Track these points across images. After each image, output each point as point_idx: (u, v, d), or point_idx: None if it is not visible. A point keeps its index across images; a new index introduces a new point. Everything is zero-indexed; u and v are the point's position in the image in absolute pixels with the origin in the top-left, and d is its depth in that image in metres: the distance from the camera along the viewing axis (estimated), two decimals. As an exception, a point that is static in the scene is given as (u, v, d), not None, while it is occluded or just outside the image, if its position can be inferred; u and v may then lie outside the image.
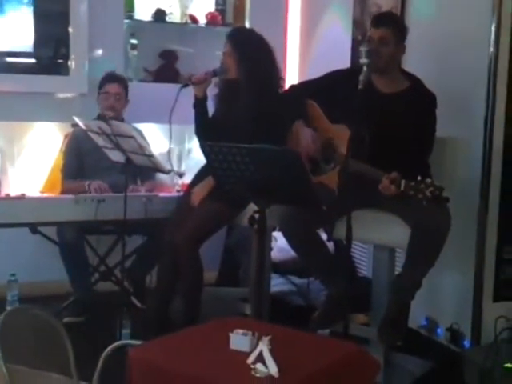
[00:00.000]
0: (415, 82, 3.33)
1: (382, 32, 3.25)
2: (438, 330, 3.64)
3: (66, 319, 3.90)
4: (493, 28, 3.30)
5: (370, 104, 3.08)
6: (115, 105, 4.17)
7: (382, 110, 3.22)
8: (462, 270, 3.50)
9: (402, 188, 2.93)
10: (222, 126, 3.69)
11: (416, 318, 3.58)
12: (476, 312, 3.40)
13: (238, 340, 2.33)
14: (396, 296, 3.19)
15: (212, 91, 3.79)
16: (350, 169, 2.88)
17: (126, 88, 4.25)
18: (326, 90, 3.42)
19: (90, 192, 3.92)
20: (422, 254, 3.11)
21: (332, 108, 3.36)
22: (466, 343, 3.46)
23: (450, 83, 3.52)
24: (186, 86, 3.68)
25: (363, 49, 3.07)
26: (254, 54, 3.66)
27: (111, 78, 4.23)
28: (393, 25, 3.28)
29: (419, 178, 2.88)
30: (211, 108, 3.83)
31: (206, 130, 3.76)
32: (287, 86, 3.84)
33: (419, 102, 3.25)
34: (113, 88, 4.19)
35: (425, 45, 3.46)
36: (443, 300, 3.66)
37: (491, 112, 3.33)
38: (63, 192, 4.08)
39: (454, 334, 3.51)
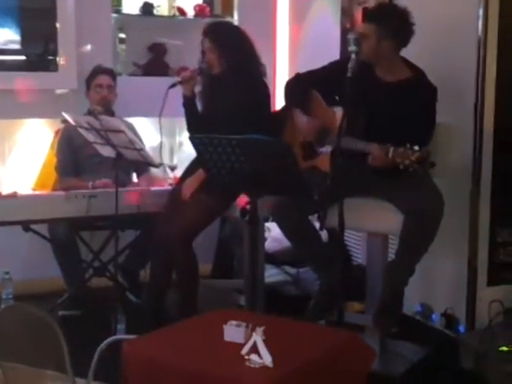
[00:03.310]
0: (417, 73, 3.32)
1: (363, 27, 3.26)
2: (433, 316, 3.65)
3: (61, 312, 3.93)
4: (480, 13, 3.29)
5: (369, 91, 3.09)
6: (108, 96, 4.17)
7: (381, 97, 3.22)
8: (456, 255, 3.51)
9: (390, 156, 2.94)
10: (211, 121, 3.69)
11: (411, 304, 3.59)
12: (470, 297, 3.41)
13: (232, 331, 2.34)
14: (389, 282, 3.20)
15: (197, 88, 3.81)
16: (341, 146, 2.87)
17: (115, 80, 4.25)
18: (327, 78, 3.42)
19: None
20: (416, 240, 3.12)
21: (332, 95, 3.37)
22: (461, 328, 3.47)
23: (439, 69, 3.51)
24: (173, 86, 3.71)
25: (351, 36, 3.07)
26: (233, 46, 3.66)
27: (102, 70, 4.23)
28: (377, 21, 3.22)
29: (408, 145, 2.89)
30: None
31: (197, 127, 3.77)
32: (278, 76, 3.85)
33: (419, 93, 3.23)
34: (104, 80, 4.19)
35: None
36: (437, 285, 3.67)
37: (481, 97, 3.33)
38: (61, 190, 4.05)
39: (449, 319, 3.52)
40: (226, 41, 3.68)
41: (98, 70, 4.22)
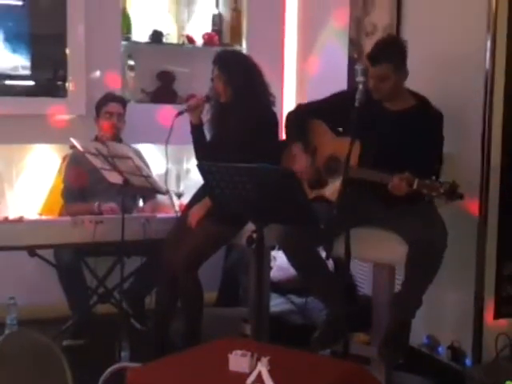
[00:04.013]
0: (421, 100, 3.33)
1: (379, 70, 3.23)
2: (439, 348, 3.62)
3: (65, 342, 3.89)
4: (488, 45, 3.30)
5: (375, 120, 3.10)
6: (118, 124, 4.18)
7: (387, 127, 3.24)
8: (462, 288, 3.48)
9: (415, 186, 2.93)
10: (219, 148, 3.70)
11: (417, 336, 3.56)
12: (477, 330, 3.38)
13: (237, 361, 2.33)
14: (396, 314, 3.18)
15: (206, 116, 3.82)
16: (354, 176, 2.87)
17: (125, 108, 4.27)
18: (331, 108, 3.44)
19: (102, 214, 3.91)
20: (420, 271, 3.10)
21: (338, 126, 3.39)
22: (468, 361, 3.43)
23: (446, 100, 3.52)
24: (180, 113, 3.74)
25: (358, 67, 3.09)
26: (241, 75, 3.67)
27: (113, 97, 4.24)
28: (389, 58, 3.22)
29: (433, 177, 2.88)
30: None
31: (204, 155, 3.78)
32: (285, 105, 3.86)
33: (425, 119, 3.25)
34: (115, 108, 4.19)
35: (421, 62, 3.46)
36: (444, 318, 3.64)
37: (488, 128, 3.33)
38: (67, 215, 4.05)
39: (455, 352, 3.49)
40: (234, 69, 3.69)
41: (109, 98, 4.23)
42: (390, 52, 3.25)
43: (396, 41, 3.35)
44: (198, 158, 3.83)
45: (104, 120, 4.17)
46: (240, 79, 3.67)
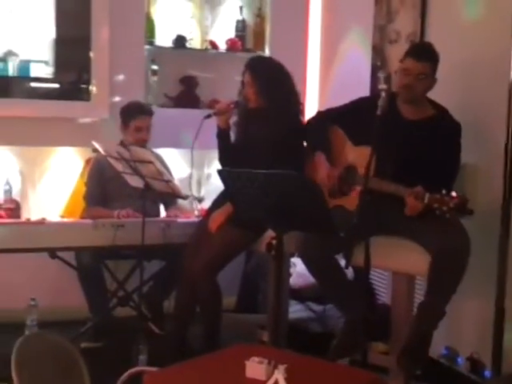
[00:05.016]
0: (441, 111, 3.32)
1: (423, 67, 3.22)
2: (459, 360, 3.58)
3: (83, 344, 3.91)
4: (512, 52, 3.28)
5: (393, 129, 3.08)
6: (146, 138, 4.13)
7: (405, 136, 3.22)
8: (482, 298, 3.46)
9: (426, 201, 2.92)
10: (244, 153, 3.70)
11: (436, 346, 3.53)
12: (496, 341, 3.34)
13: (254, 368, 2.32)
14: (418, 325, 3.14)
15: (232, 119, 3.81)
16: (370, 186, 2.87)
17: (152, 117, 4.21)
18: (350, 115, 3.44)
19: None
20: (444, 280, 3.07)
21: (357, 132, 3.36)
22: (487, 373, 3.40)
23: (469, 109, 3.50)
24: (208, 116, 3.71)
25: (381, 75, 3.08)
26: (273, 83, 3.66)
27: (143, 110, 4.17)
28: (433, 58, 3.25)
29: (444, 191, 2.87)
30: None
31: (229, 159, 3.78)
32: (308, 112, 3.85)
33: (443, 130, 3.24)
34: (145, 122, 4.13)
35: (443, 70, 3.44)
36: (463, 328, 3.62)
37: (512, 139, 3.31)
38: (85, 218, 4.06)
39: (475, 364, 3.45)
40: (266, 76, 3.67)
41: (139, 109, 4.15)
42: (433, 52, 3.27)
43: (433, 47, 3.35)
44: (222, 162, 3.82)
45: (134, 133, 4.10)
46: (272, 87, 3.65)
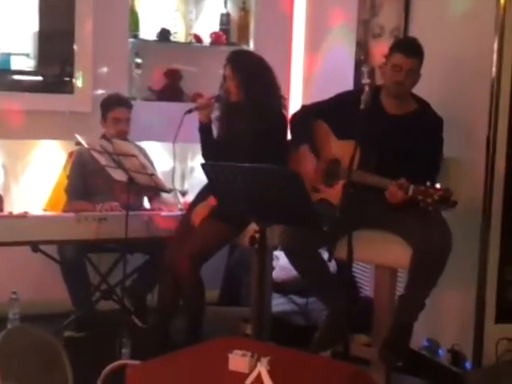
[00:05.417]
0: (423, 105, 3.34)
1: (413, 62, 3.24)
2: (440, 351, 3.61)
3: (66, 333, 3.93)
4: (495, 48, 3.30)
5: (376, 123, 3.10)
6: (125, 129, 4.12)
7: (388, 130, 3.24)
8: (464, 291, 3.48)
9: (411, 193, 2.95)
10: (227, 147, 3.70)
11: (417, 338, 3.56)
12: (477, 333, 3.38)
13: (237, 361, 2.33)
14: (399, 317, 3.18)
15: (214, 113, 3.82)
16: (354, 179, 2.88)
17: (131, 110, 4.20)
18: (334, 109, 3.45)
19: None
20: (424, 274, 3.10)
21: (341, 127, 3.38)
22: (468, 365, 3.43)
23: (452, 104, 3.53)
24: (189, 111, 3.72)
25: (365, 69, 3.09)
26: (253, 76, 3.67)
27: (120, 101, 4.16)
28: (421, 54, 3.27)
29: (428, 183, 2.89)
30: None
31: (211, 153, 3.78)
32: (292, 106, 3.85)
33: (425, 124, 3.26)
34: (123, 113, 4.12)
35: (427, 66, 3.46)
36: (445, 321, 3.64)
37: (493, 132, 3.33)
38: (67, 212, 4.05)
39: (456, 356, 3.48)
40: (247, 70, 3.68)
41: (116, 101, 4.14)
42: (421, 48, 3.29)
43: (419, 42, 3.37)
44: (204, 156, 3.83)
45: (112, 125, 4.09)
46: (253, 81, 3.66)
